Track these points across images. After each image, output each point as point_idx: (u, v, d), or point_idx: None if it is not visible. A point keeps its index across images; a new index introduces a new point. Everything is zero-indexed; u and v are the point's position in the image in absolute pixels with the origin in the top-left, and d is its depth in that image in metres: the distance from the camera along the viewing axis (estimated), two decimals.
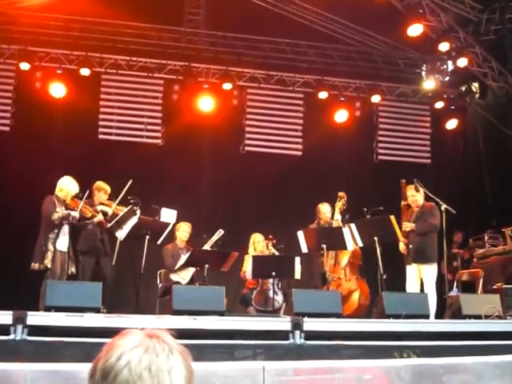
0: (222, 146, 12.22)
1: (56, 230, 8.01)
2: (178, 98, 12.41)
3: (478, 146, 13.22)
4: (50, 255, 7.84)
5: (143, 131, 12.39)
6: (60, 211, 8.05)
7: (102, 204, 8.71)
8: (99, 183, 8.85)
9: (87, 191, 8.31)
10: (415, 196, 8.78)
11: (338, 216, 9.22)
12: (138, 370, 1.38)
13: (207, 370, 4.02)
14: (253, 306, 9.21)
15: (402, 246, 8.76)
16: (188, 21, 12.20)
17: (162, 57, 12.33)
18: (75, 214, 8.10)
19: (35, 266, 7.85)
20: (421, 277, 8.60)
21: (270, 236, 9.65)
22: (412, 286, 8.59)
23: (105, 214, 8.59)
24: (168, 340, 1.46)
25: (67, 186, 8.34)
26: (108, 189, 8.84)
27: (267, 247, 9.59)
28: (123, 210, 8.42)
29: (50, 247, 7.89)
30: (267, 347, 5.88)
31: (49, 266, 7.78)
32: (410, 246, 8.65)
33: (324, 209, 9.39)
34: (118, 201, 8.55)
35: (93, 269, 8.57)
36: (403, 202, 8.86)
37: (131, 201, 8.40)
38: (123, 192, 8.49)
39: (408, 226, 8.59)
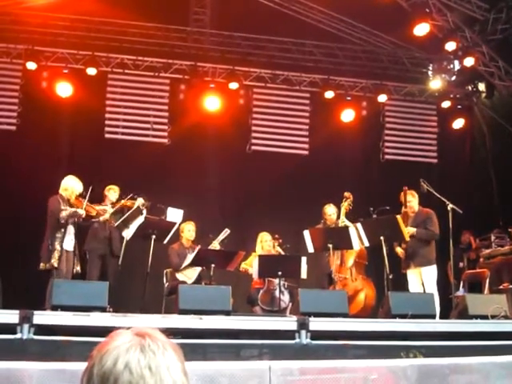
0: (228, 146, 12.22)
1: (62, 230, 8.05)
2: (184, 97, 12.41)
3: (484, 146, 13.21)
4: (56, 255, 7.88)
5: (149, 130, 12.40)
6: (67, 209, 8.10)
7: (113, 204, 8.80)
8: (109, 186, 8.97)
9: (90, 188, 8.30)
10: (411, 202, 8.81)
11: (343, 218, 9.21)
12: (139, 370, 1.37)
13: (214, 369, 4.02)
14: (259, 306, 9.21)
15: (399, 250, 8.77)
16: (194, 20, 12.22)
17: (168, 56, 12.34)
18: (82, 211, 8.14)
19: (42, 265, 7.88)
20: (422, 281, 8.62)
21: (277, 236, 9.65)
22: (415, 289, 8.60)
23: (121, 210, 8.68)
24: (158, 336, 1.45)
25: (71, 185, 8.38)
26: (117, 188, 8.95)
27: (274, 247, 9.59)
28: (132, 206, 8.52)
29: (57, 247, 7.92)
30: (273, 347, 5.88)
31: (55, 265, 7.81)
32: (402, 248, 8.70)
33: (329, 210, 9.39)
34: (126, 200, 8.66)
35: (100, 268, 8.61)
36: (404, 209, 8.86)
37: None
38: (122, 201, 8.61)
39: (410, 231, 8.59)
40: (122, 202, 8.71)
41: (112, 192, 8.93)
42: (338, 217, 9.29)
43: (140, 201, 8.49)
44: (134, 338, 1.43)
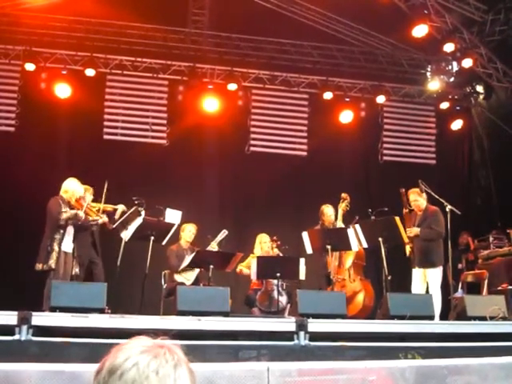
0: (226, 147, 12.24)
1: (62, 231, 8.03)
2: (182, 98, 12.42)
3: (482, 147, 13.22)
4: (54, 256, 7.86)
5: (148, 131, 12.40)
6: (68, 211, 8.09)
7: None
8: (84, 186, 8.80)
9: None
10: (418, 201, 8.78)
11: (340, 219, 9.21)
12: (146, 371, 1.41)
13: (212, 370, 4.01)
14: (257, 307, 9.21)
15: (407, 248, 8.75)
16: (192, 22, 12.22)
17: (167, 57, 12.35)
18: (81, 214, 8.14)
19: (39, 266, 7.85)
20: (426, 280, 8.59)
21: (275, 237, 9.65)
22: (418, 289, 8.58)
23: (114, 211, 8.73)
24: (178, 352, 1.49)
25: (72, 187, 8.37)
26: (91, 190, 8.84)
27: (272, 248, 9.58)
28: (117, 209, 8.53)
29: (56, 248, 7.91)
30: (272, 348, 5.87)
31: (53, 266, 7.80)
32: (410, 247, 8.68)
33: (328, 211, 9.38)
34: (103, 202, 8.63)
35: (86, 271, 8.63)
36: (405, 210, 8.85)
37: (136, 201, 8.41)
38: (104, 195, 8.57)
39: (413, 231, 8.57)
40: (121, 207, 8.74)
41: (88, 194, 8.78)
42: (336, 218, 9.29)
43: (142, 215, 8.44)
44: (153, 346, 1.47)
